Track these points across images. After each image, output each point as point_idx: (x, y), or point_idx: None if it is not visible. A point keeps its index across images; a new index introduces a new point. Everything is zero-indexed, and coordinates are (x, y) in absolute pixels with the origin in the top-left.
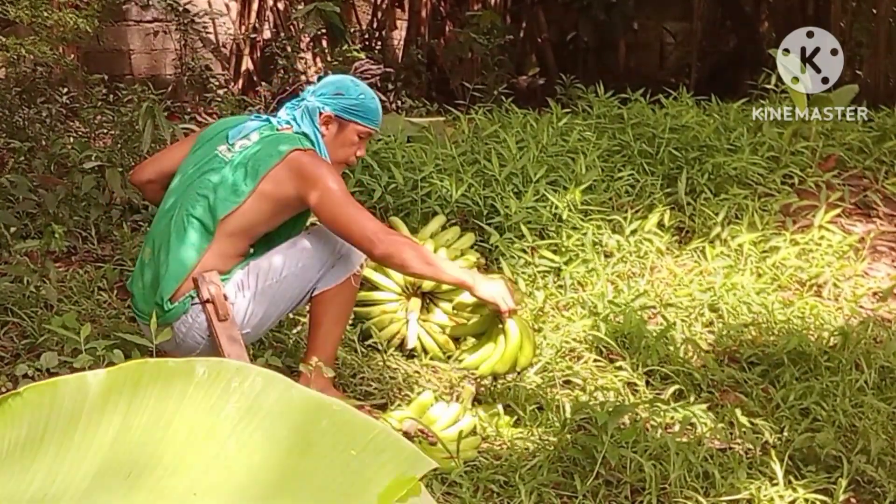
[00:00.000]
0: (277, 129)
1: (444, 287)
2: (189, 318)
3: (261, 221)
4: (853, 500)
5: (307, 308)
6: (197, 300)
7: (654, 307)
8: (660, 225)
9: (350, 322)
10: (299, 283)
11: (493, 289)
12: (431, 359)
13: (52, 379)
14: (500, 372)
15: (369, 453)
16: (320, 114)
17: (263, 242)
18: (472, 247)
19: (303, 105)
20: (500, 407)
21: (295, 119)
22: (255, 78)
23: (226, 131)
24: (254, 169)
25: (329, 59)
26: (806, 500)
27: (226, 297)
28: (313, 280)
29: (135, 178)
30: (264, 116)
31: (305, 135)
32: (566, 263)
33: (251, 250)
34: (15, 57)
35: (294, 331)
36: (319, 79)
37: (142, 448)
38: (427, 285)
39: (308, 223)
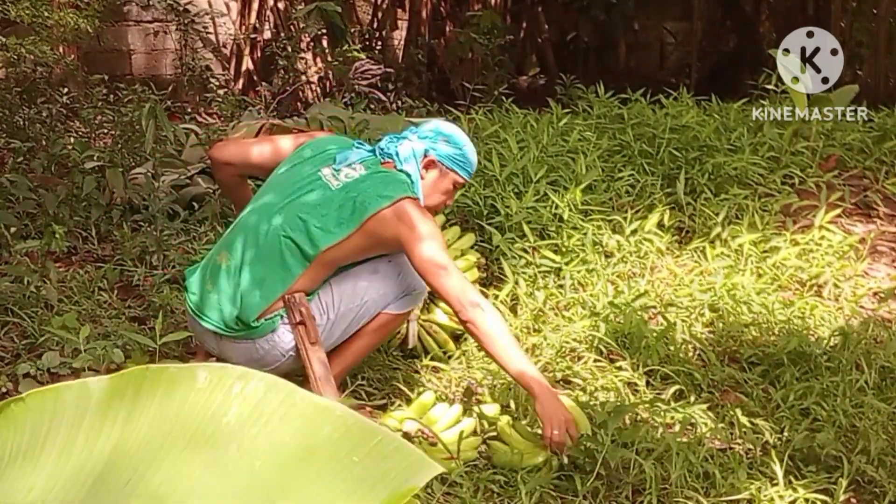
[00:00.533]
0: (381, 162)
1: None
2: (275, 337)
3: (354, 255)
4: (853, 500)
5: None
6: (286, 320)
7: (654, 307)
8: (660, 225)
9: None
10: (375, 308)
11: (554, 413)
12: (432, 359)
13: (55, 385)
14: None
15: (372, 459)
16: (425, 156)
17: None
18: (472, 247)
19: (404, 142)
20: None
21: (397, 154)
22: (255, 78)
23: (332, 153)
24: (361, 206)
25: (329, 59)
26: (806, 500)
27: (314, 319)
28: (386, 307)
29: (215, 153)
30: (369, 147)
31: (407, 174)
32: (566, 263)
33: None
34: (15, 57)
35: None
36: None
37: (142, 454)
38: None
39: None
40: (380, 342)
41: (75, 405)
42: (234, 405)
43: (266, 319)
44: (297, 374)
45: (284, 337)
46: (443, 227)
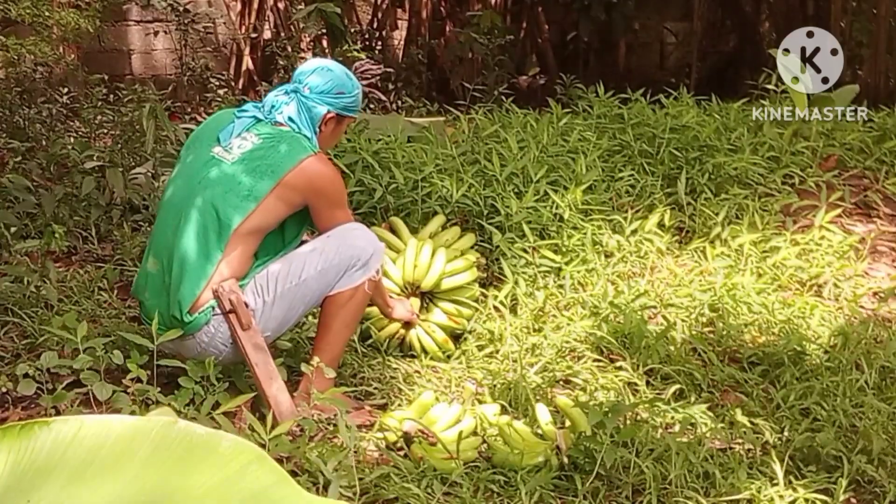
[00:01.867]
0: (272, 123)
1: (444, 286)
2: (211, 329)
3: (271, 223)
4: (853, 500)
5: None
6: (218, 310)
7: (654, 307)
8: (660, 225)
9: None
10: (318, 286)
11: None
12: (431, 359)
13: (81, 416)
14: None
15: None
16: (325, 115)
17: (270, 241)
18: (472, 247)
19: (296, 99)
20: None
21: (291, 118)
22: (255, 78)
23: (215, 132)
24: (268, 173)
25: (329, 59)
26: (806, 500)
27: (246, 305)
28: (332, 283)
29: None
30: (250, 112)
31: (304, 134)
32: (567, 263)
33: (258, 253)
34: (15, 57)
35: (294, 330)
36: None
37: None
38: (426, 285)
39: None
40: (354, 321)
41: (95, 436)
42: (245, 480)
43: (199, 313)
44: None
45: (220, 327)
46: (443, 227)
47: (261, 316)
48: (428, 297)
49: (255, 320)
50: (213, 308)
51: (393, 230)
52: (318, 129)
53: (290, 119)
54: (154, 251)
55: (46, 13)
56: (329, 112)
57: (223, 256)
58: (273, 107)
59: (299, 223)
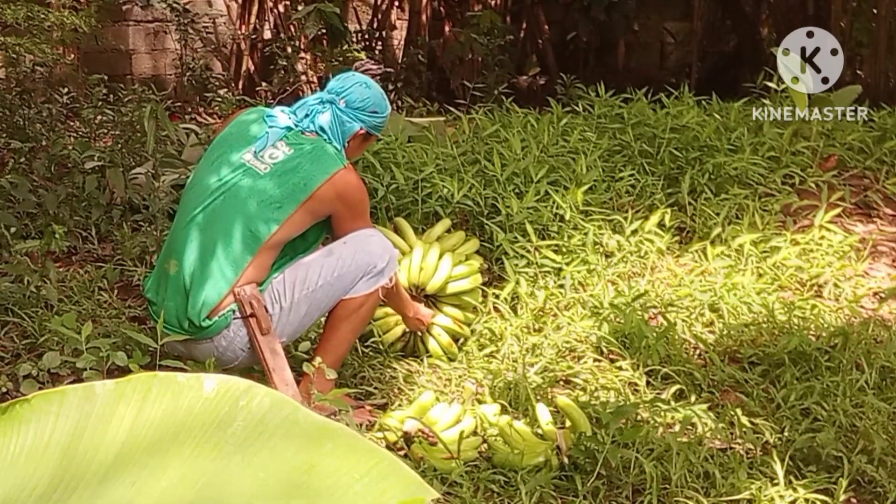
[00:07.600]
0: (301, 132)
1: (448, 290)
2: (230, 333)
3: (297, 232)
4: (854, 500)
5: None
6: (238, 314)
7: (654, 307)
8: (660, 225)
9: None
10: (333, 291)
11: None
12: (431, 356)
13: (61, 388)
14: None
15: (372, 479)
16: (356, 131)
17: (289, 247)
18: (475, 251)
19: (331, 110)
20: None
21: (323, 129)
22: (255, 78)
23: (242, 136)
24: (300, 186)
25: (329, 59)
26: (806, 500)
27: (266, 310)
28: (347, 289)
29: None
30: (281, 120)
31: (335, 147)
32: (567, 264)
33: (277, 259)
34: (14, 57)
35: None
36: (334, 74)
37: (147, 458)
38: (430, 288)
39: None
40: (362, 325)
41: (80, 407)
42: (239, 418)
43: (219, 316)
44: (257, 369)
45: (239, 332)
46: (447, 231)
47: (277, 321)
48: (431, 300)
49: (273, 326)
50: (234, 312)
51: (398, 231)
52: (346, 143)
53: (322, 129)
54: (174, 253)
55: (42, 16)
56: (361, 128)
57: (249, 265)
58: (307, 115)
59: (321, 230)
